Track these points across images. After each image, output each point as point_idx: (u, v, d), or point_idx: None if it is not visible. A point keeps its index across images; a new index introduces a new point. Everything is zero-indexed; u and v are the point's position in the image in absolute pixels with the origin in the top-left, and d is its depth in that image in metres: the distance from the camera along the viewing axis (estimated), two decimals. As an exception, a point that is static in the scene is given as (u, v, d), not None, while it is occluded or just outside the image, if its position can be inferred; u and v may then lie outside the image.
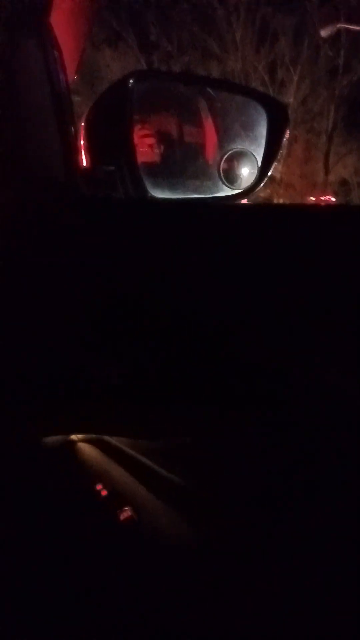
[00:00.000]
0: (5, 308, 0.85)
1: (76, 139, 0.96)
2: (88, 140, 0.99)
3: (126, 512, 0.93)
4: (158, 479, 0.97)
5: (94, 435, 1.13)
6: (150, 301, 0.83)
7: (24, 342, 0.86)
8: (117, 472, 1.04)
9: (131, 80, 0.94)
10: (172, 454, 0.97)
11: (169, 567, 0.85)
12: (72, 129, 0.91)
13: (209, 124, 1.03)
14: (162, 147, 1.02)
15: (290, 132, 1.06)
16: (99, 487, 1.01)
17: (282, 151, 1.14)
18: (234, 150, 1.03)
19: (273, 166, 1.04)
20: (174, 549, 0.87)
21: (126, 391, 0.88)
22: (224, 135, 1.04)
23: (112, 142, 0.98)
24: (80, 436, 1.16)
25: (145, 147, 1.01)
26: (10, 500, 1.00)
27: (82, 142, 1.03)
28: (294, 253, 0.72)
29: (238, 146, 1.03)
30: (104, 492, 0.99)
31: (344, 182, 14.85)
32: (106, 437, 1.10)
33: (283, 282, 0.73)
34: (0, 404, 0.90)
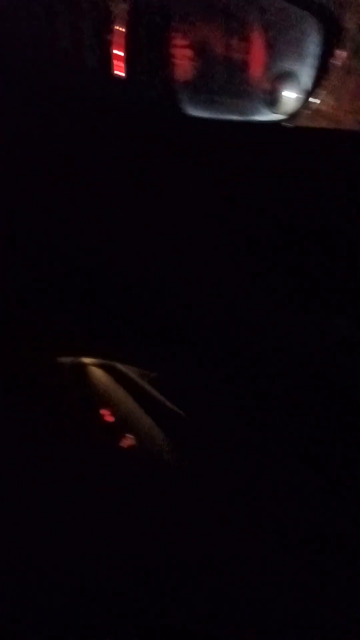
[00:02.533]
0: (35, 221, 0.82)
1: (111, 45, 0.89)
2: (125, 45, 0.91)
3: (128, 440, 0.91)
4: (163, 411, 0.96)
5: (105, 361, 1.12)
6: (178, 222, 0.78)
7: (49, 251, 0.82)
8: (125, 399, 1.03)
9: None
10: (179, 388, 0.95)
11: (163, 498, 0.85)
12: (108, 31, 0.84)
13: (256, 38, 0.94)
14: (202, 60, 0.93)
15: (345, 61, 0.96)
16: (104, 412, 1.00)
17: (334, 81, 1.05)
18: (281, 70, 0.94)
19: (320, 94, 0.95)
20: (170, 480, 0.86)
21: (141, 320, 0.85)
22: (272, 53, 0.95)
23: (147, 49, 0.90)
24: (92, 360, 1.15)
25: (183, 59, 0.93)
26: (17, 413, 0.99)
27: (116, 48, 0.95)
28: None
29: (286, 66, 0.94)
30: (110, 418, 0.98)
31: None
32: (117, 365, 1.09)
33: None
34: (17, 318, 0.88)
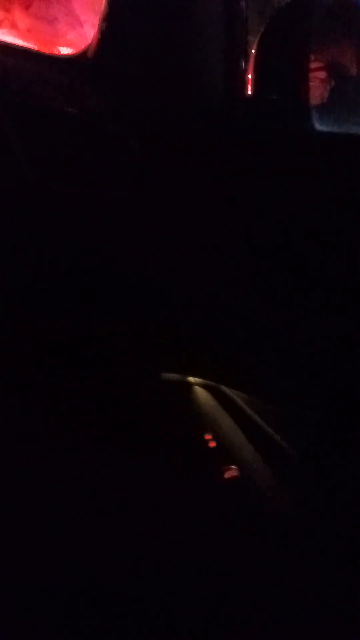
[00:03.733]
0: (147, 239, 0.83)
1: (244, 63, 0.87)
2: (256, 64, 0.89)
3: (232, 471, 0.88)
4: (268, 442, 0.92)
5: (211, 382, 1.10)
6: (302, 244, 0.76)
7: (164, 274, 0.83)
8: (228, 424, 1.00)
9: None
10: (287, 420, 0.91)
11: (266, 538, 0.81)
12: (242, 51, 0.83)
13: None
14: (337, 77, 0.89)
15: None
16: (207, 436, 0.98)
17: None
18: None
19: None
20: (272, 521, 0.82)
21: (251, 346, 0.83)
22: None
23: (282, 70, 0.88)
24: (197, 380, 1.14)
25: (319, 76, 0.89)
26: (121, 427, 1.00)
27: (249, 67, 0.93)
28: None
29: None
30: (212, 444, 0.96)
31: None
32: (222, 387, 1.06)
33: None
34: (129, 332, 0.89)
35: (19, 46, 0.84)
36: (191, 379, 1.14)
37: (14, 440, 0.84)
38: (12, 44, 0.82)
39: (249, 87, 0.91)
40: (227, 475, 0.88)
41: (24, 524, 0.80)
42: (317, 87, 0.91)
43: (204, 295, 0.83)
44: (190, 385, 1.12)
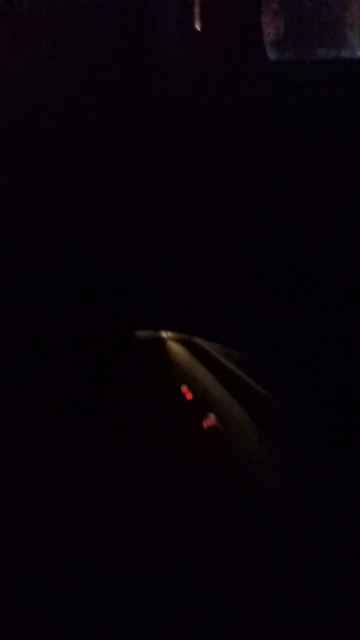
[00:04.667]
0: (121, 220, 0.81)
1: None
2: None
3: (210, 420, 0.89)
4: (246, 390, 0.93)
5: (184, 336, 1.10)
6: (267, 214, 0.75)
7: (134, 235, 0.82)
8: (205, 376, 1.00)
9: None
10: (265, 367, 0.92)
11: (249, 483, 0.82)
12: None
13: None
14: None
15: None
16: (184, 388, 0.98)
17: None
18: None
19: None
20: (256, 466, 0.83)
21: (225, 293, 0.83)
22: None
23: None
24: (170, 334, 1.13)
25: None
26: (100, 385, 0.99)
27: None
28: None
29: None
30: (189, 396, 0.96)
31: None
32: (196, 340, 1.06)
33: None
34: (100, 294, 0.88)
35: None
36: (163, 334, 1.13)
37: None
38: None
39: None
40: (205, 424, 0.89)
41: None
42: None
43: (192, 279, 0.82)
44: (162, 340, 1.12)
